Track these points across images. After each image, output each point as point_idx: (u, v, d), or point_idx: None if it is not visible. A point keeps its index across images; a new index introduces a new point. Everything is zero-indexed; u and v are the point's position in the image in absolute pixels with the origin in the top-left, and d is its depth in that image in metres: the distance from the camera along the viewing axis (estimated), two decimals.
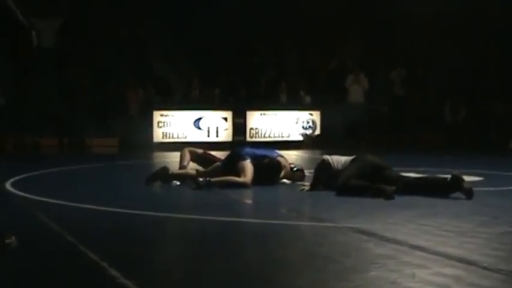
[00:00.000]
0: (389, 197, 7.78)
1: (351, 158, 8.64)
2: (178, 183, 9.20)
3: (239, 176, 8.95)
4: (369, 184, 8.09)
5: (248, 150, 9.52)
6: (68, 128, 17.20)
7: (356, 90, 18.78)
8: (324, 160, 8.82)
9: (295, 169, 9.53)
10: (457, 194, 7.92)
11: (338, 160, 8.70)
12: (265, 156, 9.33)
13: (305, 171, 9.63)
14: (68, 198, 7.69)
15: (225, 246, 5.44)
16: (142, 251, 5.23)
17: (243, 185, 8.84)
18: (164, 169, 9.31)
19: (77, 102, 17.47)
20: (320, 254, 5.11)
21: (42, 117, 16.75)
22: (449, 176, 8.14)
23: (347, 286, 4.27)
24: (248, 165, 9.06)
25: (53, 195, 7.92)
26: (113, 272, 4.43)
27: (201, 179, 8.73)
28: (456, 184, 7.97)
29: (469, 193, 7.88)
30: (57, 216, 6.67)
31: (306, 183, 8.92)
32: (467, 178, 8.41)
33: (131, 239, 5.71)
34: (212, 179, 8.80)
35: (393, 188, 7.97)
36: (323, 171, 8.73)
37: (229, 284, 4.35)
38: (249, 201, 8.08)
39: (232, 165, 9.12)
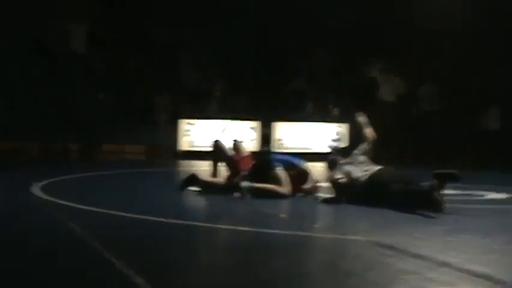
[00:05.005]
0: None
1: (370, 167, 8.63)
2: (198, 189, 9.22)
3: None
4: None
5: (278, 157, 9.39)
6: (89, 134, 17.23)
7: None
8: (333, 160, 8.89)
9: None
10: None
11: (356, 170, 8.71)
12: (293, 165, 9.23)
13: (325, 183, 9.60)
14: (94, 204, 7.74)
15: (249, 257, 5.44)
16: (168, 259, 5.23)
17: (283, 196, 8.74)
18: (193, 176, 9.32)
19: (103, 109, 17.53)
20: (342, 267, 5.09)
21: (71, 123, 16.80)
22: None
23: None
24: (283, 173, 8.89)
25: (79, 201, 7.98)
26: (139, 280, 4.45)
27: (244, 184, 8.58)
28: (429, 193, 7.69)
29: (436, 205, 7.62)
30: (84, 222, 6.72)
31: (328, 195, 8.89)
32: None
33: (158, 247, 5.72)
34: (255, 185, 8.65)
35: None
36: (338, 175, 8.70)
37: None
38: (272, 212, 8.05)
39: (261, 174, 8.94)
